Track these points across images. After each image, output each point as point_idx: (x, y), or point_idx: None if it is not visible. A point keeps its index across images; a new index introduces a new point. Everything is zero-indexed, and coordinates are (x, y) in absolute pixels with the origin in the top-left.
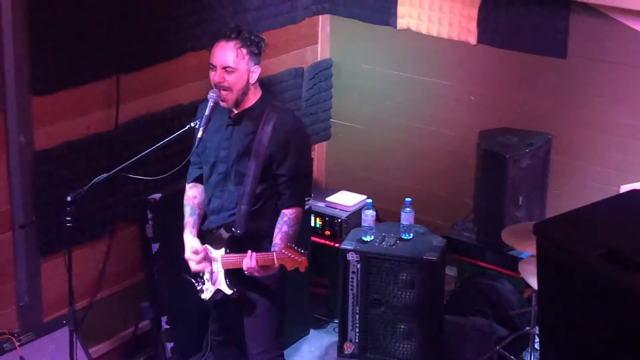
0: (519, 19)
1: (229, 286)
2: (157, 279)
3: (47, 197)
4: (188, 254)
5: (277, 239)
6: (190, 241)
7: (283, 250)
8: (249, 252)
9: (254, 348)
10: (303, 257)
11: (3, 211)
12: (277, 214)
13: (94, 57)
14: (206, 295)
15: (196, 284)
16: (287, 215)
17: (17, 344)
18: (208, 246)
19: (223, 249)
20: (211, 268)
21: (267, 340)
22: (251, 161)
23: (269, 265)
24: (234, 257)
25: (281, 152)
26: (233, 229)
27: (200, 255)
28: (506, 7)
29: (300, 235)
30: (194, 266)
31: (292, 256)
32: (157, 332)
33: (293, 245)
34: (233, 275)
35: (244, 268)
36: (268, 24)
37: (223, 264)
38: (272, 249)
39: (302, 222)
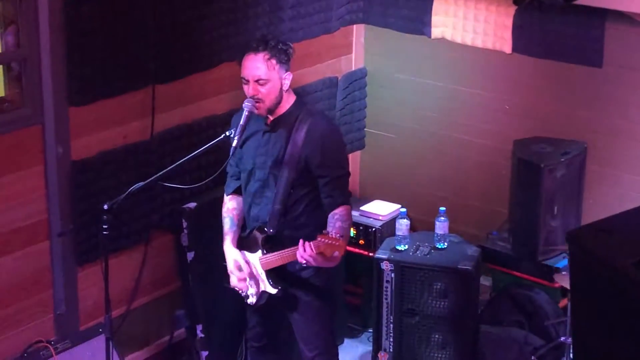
0: (554, 27)
1: (273, 285)
2: (192, 288)
3: (84, 206)
4: (232, 267)
5: (333, 233)
6: (233, 254)
7: (319, 238)
8: (301, 241)
9: (309, 351)
10: (340, 241)
11: (41, 220)
12: (312, 214)
13: (130, 67)
14: (252, 300)
15: (241, 292)
16: (337, 213)
17: (54, 351)
18: (245, 252)
19: (259, 251)
20: (252, 272)
21: (321, 342)
22: (285, 164)
23: (321, 255)
24: (273, 256)
25: (317, 155)
26: (266, 228)
27: (245, 273)
28: (541, 15)
29: None
30: (235, 282)
31: (329, 242)
32: (192, 340)
33: (327, 232)
34: (275, 274)
35: (299, 259)
36: (302, 34)
37: (263, 265)
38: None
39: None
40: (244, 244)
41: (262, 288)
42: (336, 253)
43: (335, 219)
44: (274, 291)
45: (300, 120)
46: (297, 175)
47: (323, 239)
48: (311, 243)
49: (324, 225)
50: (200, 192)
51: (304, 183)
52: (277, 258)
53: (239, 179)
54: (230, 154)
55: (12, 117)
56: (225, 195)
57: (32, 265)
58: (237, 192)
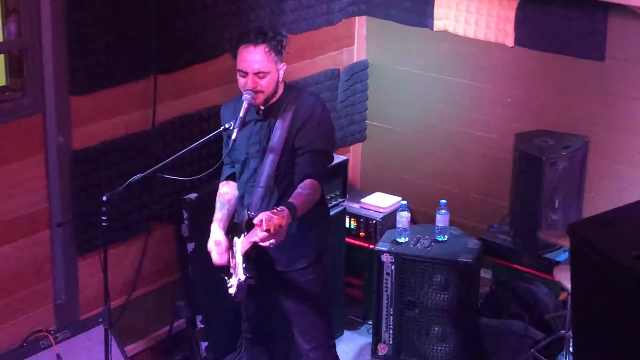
0: (557, 20)
1: (244, 271)
2: (192, 279)
3: (84, 196)
4: (210, 244)
5: (290, 198)
6: (214, 233)
7: (266, 213)
8: (257, 225)
9: (306, 343)
10: (281, 213)
11: (41, 210)
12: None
13: (132, 57)
14: (232, 291)
15: (227, 281)
16: (303, 182)
17: (53, 341)
18: (235, 238)
19: (242, 235)
20: (235, 260)
21: (318, 335)
22: (270, 147)
23: (274, 229)
24: (249, 235)
25: (301, 128)
26: (248, 211)
27: (222, 247)
28: (543, 9)
29: (335, 236)
30: (215, 257)
31: (272, 215)
32: (192, 331)
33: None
34: (267, 270)
35: (258, 240)
36: (305, 25)
37: (242, 249)
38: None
39: (319, 196)
40: (233, 229)
41: (237, 275)
42: (280, 224)
43: (299, 187)
44: (242, 277)
45: (289, 101)
46: (284, 157)
47: (269, 214)
48: (261, 221)
49: (312, 209)
50: (200, 183)
51: (290, 165)
52: (247, 238)
53: (233, 165)
54: (230, 146)
55: (13, 106)
56: (220, 181)
57: (32, 255)
58: (231, 178)
